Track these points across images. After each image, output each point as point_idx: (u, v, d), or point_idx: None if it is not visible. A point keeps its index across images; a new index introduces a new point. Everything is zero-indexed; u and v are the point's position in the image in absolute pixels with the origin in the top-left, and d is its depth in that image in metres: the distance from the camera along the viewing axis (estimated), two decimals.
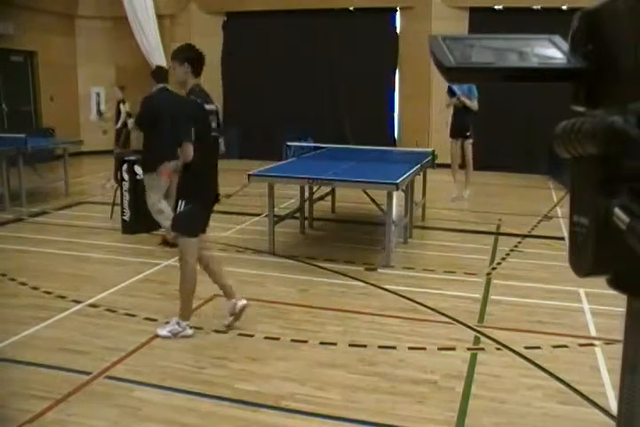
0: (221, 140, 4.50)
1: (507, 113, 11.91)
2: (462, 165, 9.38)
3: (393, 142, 12.94)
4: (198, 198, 4.17)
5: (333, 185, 6.74)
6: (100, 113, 12.10)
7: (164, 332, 4.23)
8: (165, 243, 6.44)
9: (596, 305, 4.83)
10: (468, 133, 9.09)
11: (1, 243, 6.63)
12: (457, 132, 9.16)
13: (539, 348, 4.10)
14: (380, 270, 5.82)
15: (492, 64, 0.77)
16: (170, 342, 4.15)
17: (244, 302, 4.36)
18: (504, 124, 11.98)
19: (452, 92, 8.97)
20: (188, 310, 4.27)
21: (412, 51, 12.29)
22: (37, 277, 5.49)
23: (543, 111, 11.33)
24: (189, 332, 4.24)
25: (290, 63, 13.48)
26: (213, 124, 4.21)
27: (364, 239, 6.99)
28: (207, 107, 4.18)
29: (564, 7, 10.74)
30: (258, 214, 7.91)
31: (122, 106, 9.67)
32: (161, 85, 6.45)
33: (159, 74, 6.54)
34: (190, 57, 4.20)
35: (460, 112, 9.00)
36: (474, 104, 8.88)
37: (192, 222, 4.17)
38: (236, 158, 13.54)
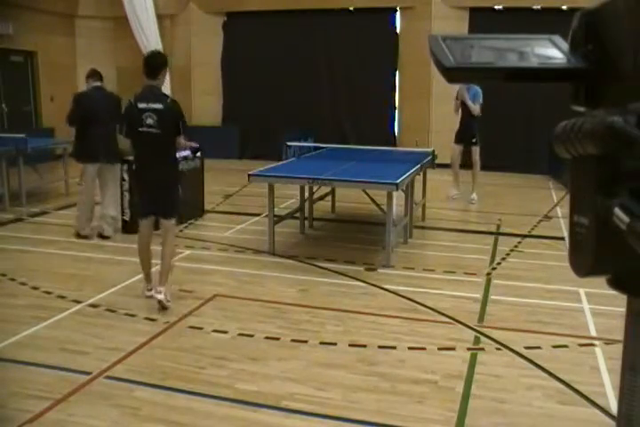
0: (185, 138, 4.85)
1: (507, 113, 11.88)
2: (466, 166, 9.30)
3: (393, 142, 12.92)
4: (135, 184, 5.10)
5: (333, 185, 6.74)
6: None
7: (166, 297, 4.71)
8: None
9: (595, 305, 4.83)
10: (474, 140, 9.01)
11: (1, 243, 6.63)
12: (462, 137, 9.10)
13: (539, 348, 4.10)
14: (379, 270, 5.82)
15: (492, 64, 0.77)
16: (170, 342, 4.15)
17: (160, 296, 4.64)
18: (504, 124, 11.96)
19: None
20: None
21: (412, 51, 12.28)
22: (37, 277, 5.48)
23: (543, 111, 11.33)
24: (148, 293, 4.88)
25: (290, 63, 13.47)
26: (149, 121, 4.60)
27: (364, 239, 6.98)
28: (140, 105, 4.62)
29: (564, 7, 10.73)
30: (258, 214, 7.90)
31: None
32: (96, 84, 6.97)
33: (96, 74, 7.06)
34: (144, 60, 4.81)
35: (468, 118, 8.92)
36: (476, 108, 8.82)
37: (140, 205, 5.05)
38: (236, 158, 13.56)
